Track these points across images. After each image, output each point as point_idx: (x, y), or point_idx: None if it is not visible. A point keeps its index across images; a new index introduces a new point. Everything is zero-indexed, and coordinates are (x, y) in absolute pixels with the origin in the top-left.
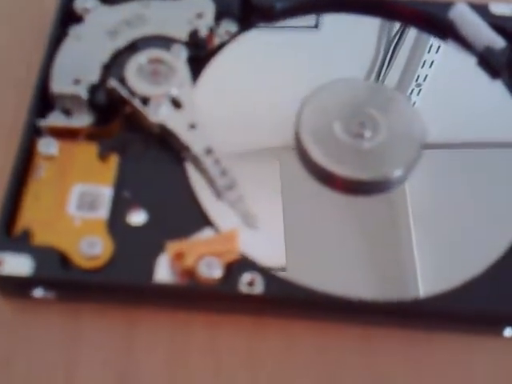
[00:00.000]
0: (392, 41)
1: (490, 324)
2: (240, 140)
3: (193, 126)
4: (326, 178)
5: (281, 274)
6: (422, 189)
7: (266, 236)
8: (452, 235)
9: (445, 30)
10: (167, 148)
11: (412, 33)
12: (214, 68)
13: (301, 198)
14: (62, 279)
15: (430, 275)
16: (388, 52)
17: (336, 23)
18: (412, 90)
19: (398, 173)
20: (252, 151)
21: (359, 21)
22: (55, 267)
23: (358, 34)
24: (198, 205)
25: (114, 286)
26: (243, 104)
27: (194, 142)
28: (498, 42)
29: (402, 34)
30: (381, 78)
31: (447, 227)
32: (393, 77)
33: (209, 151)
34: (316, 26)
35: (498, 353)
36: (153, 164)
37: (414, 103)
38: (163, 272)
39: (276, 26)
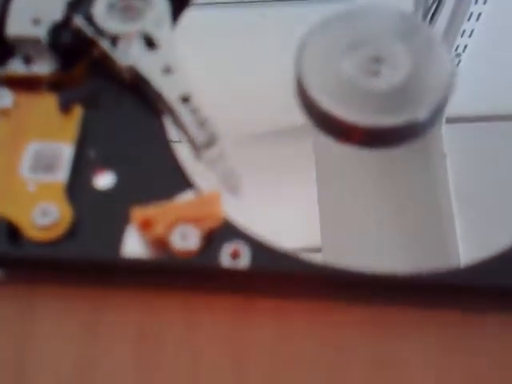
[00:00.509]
0: None
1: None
2: (230, 93)
3: (168, 70)
4: (337, 130)
5: (270, 243)
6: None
7: (255, 200)
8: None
9: None
10: (140, 98)
11: None
12: (199, 7)
13: (298, 149)
14: (11, 254)
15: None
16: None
17: None
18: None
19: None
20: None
21: None
22: (2, 240)
23: None
24: (176, 165)
25: (73, 262)
26: (232, 50)
27: (168, 87)
28: None
29: None
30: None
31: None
32: None
33: (185, 99)
34: None
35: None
36: (123, 117)
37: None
38: (132, 244)
39: None
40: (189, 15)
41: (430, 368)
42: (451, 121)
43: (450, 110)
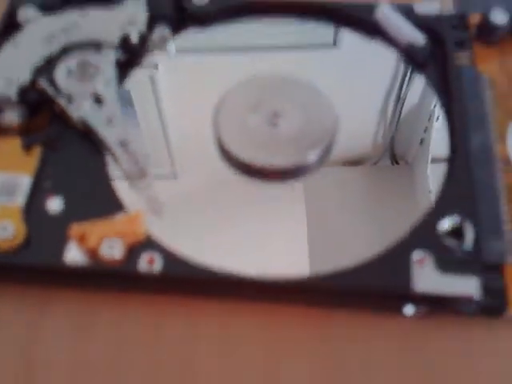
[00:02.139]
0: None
1: (390, 301)
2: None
3: (110, 121)
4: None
5: (180, 254)
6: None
7: (175, 221)
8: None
9: (372, 29)
10: (89, 142)
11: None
12: (142, 70)
13: (212, 185)
14: None
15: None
16: None
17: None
18: None
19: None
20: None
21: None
22: None
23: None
24: (113, 193)
25: (25, 266)
26: (167, 106)
27: (109, 135)
28: (419, 38)
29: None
30: None
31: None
32: None
33: (123, 144)
34: None
35: (397, 331)
36: (75, 156)
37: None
38: (72, 254)
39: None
40: (133, 77)
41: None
42: None
43: None
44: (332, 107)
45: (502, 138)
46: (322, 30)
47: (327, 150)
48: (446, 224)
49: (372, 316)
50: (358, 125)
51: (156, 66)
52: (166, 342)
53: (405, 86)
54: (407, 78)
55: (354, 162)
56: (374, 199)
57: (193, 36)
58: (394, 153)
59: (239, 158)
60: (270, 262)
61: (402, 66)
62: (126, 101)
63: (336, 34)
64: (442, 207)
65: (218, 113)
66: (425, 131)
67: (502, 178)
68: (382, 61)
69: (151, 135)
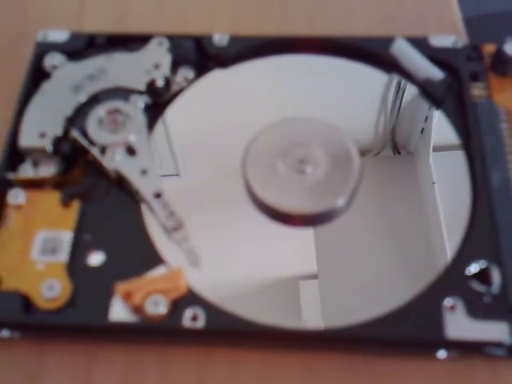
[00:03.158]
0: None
1: (424, 348)
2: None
3: (144, 172)
4: (271, 214)
5: (222, 308)
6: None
7: (212, 273)
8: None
9: (389, 64)
10: (124, 192)
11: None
12: (171, 113)
13: (248, 234)
14: (25, 321)
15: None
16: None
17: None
18: None
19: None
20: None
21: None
22: (18, 310)
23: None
24: (151, 245)
25: (73, 326)
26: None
27: (144, 186)
28: (437, 73)
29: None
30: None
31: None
32: None
33: (158, 195)
34: None
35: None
36: (111, 208)
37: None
38: (117, 311)
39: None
40: (160, 124)
41: None
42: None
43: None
44: (355, 148)
45: None
46: None
47: (353, 196)
48: (473, 269)
49: (408, 361)
50: (359, 116)
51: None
52: None
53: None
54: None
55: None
56: (382, 202)
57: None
58: (395, 143)
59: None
60: (303, 313)
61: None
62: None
63: None
64: (468, 251)
65: (245, 157)
66: (425, 120)
67: None
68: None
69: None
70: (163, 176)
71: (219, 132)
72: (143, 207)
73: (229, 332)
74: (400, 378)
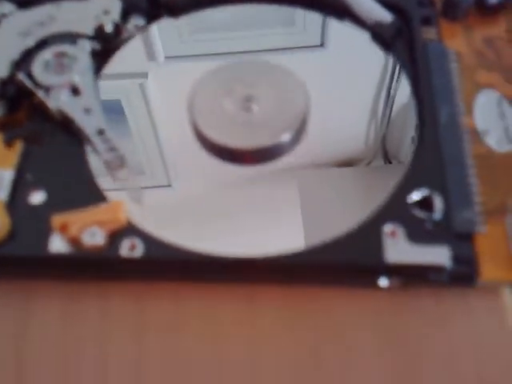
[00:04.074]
0: None
1: (364, 275)
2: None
3: (88, 111)
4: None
5: (161, 238)
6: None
7: (154, 210)
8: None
9: (341, 10)
10: (70, 134)
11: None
12: (119, 58)
13: (194, 172)
14: None
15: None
16: None
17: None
18: None
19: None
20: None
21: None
22: None
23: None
24: (94, 184)
25: (10, 259)
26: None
27: (87, 124)
28: (386, 16)
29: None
30: None
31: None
32: None
33: (100, 132)
34: None
35: (372, 304)
36: (54, 148)
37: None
38: (56, 244)
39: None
40: (108, 68)
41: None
42: None
43: None
44: (304, 87)
45: (469, 110)
46: (309, 31)
47: (301, 131)
48: (415, 196)
49: (347, 291)
50: (349, 125)
51: (146, 75)
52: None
53: (394, 85)
54: (396, 77)
55: (347, 163)
56: (366, 196)
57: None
58: (386, 152)
59: (214, 142)
60: (247, 243)
61: (390, 65)
62: (117, 110)
63: (323, 35)
64: (411, 180)
65: (193, 98)
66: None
67: (470, 150)
68: (370, 60)
69: (143, 143)
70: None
71: (164, 77)
72: (87, 148)
73: (168, 262)
74: (341, 307)
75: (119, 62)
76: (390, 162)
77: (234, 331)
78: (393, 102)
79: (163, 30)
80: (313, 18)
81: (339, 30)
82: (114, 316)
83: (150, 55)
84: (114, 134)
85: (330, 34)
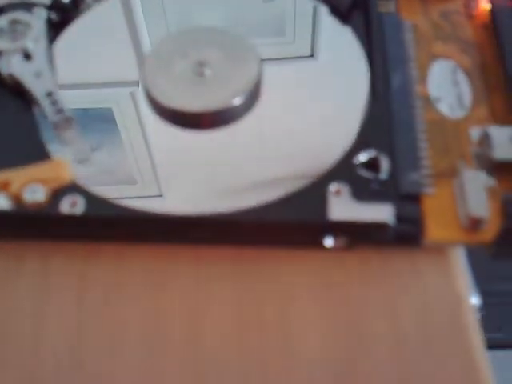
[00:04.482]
0: None
1: (308, 233)
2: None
3: (38, 74)
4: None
5: (104, 196)
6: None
7: (100, 171)
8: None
9: None
10: (20, 98)
11: None
12: (75, 28)
13: (144, 135)
14: None
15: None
16: None
17: None
18: None
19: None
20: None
21: None
22: None
23: None
24: (40, 144)
25: None
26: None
27: (36, 87)
28: None
29: None
30: None
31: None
32: None
33: (49, 94)
34: None
35: (318, 266)
36: (3, 111)
37: None
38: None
39: None
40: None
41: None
42: None
43: None
44: (256, 53)
45: (423, 78)
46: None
47: (253, 96)
48: (362, 157)
49: (292, 251)
50: (337, 140)
51: (137, 83)
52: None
53: None
54: None
55: None
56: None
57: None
58: None
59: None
60: (192, 201)
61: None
62: (108, 119)
63: (313, 46)
64: (359, 143)
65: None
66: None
67: (421, 115)
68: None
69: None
70: None
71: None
72: (36, 111)
73: (109, 219)
74: (286, 267)
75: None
76: None
77: (177, 293)
78: None
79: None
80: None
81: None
82: (54, 276)
83: None
84: (61, 97)
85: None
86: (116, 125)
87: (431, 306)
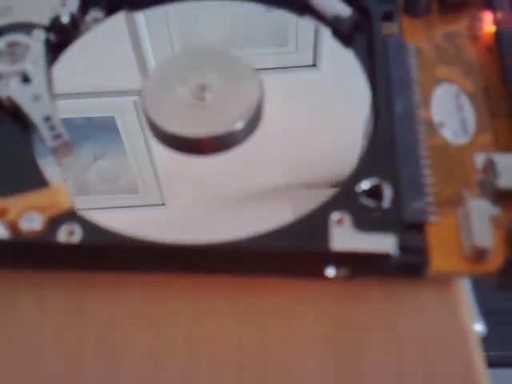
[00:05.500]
0: None
1: (311, 264)
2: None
3: (37, 98)
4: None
5: (101, 225)
6: None
7: (100, 198)
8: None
9: (301, 6)
10: (18, 122)
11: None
12: (74, 50)
13: (144, 158)
14: None
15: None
16: None
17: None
18: None
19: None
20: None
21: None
22: None
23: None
24: (38, 170)
25: None
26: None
27: (34, 111)
28: (344, 10)
29: None
30: None
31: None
32: None
33: (47, 119)
34: None
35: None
36: (1, 137)
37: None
38: None
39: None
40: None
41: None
42: None
43: None
44: (258, 78)
45: (427, 102)
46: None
47: (254, 120)
48: (364, 185)
49: (293, 281)
50: (341, 149)
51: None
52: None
53: None
54: None
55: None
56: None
57: None
58: None
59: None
60: (191, 230)
61: None
62: (111, 128)
63: (315, 55)
64: (362, 170)
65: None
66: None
67: (425, 142)
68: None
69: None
70: None
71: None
72: (34, 136)
73: (106, 248)
74: (287, 297)
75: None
76: None
77: (175, 322)
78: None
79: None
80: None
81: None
82: (50, 305)
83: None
84: (59, 122)
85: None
86: (119, 134)
87: (433, 336)
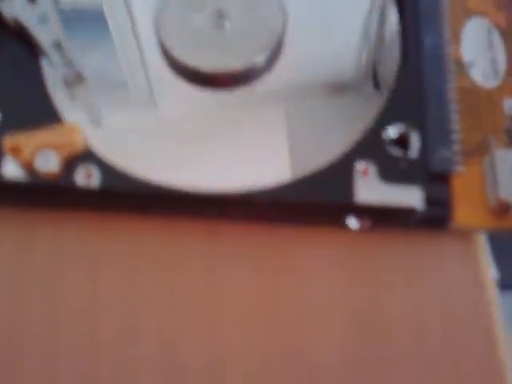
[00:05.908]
0: None
1: (333, 214)
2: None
3: (44, 19)
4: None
5: (121, 168)
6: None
7: (115, 134)
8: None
9: None
10: (26, 47)
11: None
12: None
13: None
14: None
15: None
16: None
17: None
18: None
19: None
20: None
21: None
22: None
23: None
24: (49, 102)
25: None
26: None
27: (42, 34)
28: None
29: None
30: None
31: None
32: None
33: (57, 44)
34: None
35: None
36: (8, 61)
37: None
38: (9, 169)
39: None
40: None
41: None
42: None
43: None
44: (282, 5)
45: (457, 38)
46: None
47: (276, 53)
48: (391, 133)
49: (313, 230)
50: (338, 49)
51: None
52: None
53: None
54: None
55: (336, 88)
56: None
57: None
58: (376, 78)
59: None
60: (211, 176)
61: None
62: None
63: None
64: (388, 116)
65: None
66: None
67: (453, 82)
68: None
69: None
70: None
71: None
72: (43, 61)
73: (125, 194)
74: (306, 247)
75: None
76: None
77: (192, 267)
78: (385, 26)
79: None
80: None
81: None
82: (67, 246)
83: None
84: (71, 48)
85: None
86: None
87: (453, 290)
